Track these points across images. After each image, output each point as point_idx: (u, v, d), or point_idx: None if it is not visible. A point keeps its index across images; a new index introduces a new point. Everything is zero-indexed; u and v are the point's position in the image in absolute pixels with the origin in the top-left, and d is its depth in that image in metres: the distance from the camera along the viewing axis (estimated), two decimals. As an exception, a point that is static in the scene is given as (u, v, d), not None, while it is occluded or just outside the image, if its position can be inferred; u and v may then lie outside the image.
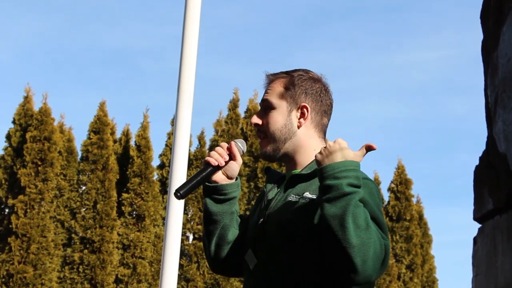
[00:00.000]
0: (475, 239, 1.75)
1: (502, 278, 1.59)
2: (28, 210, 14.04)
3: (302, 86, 2.44)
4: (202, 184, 2.44)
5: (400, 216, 18.21)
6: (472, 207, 1.80)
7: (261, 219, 2.37)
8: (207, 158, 2.42)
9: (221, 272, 2.57)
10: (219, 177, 2.45)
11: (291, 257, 2.25)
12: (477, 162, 1.76)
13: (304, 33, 28.88)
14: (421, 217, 18.85)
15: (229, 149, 2.44)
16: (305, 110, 2.42)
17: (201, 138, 16.17)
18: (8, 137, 15.09)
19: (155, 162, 15.93)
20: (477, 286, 1.70)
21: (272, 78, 2.49)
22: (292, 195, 2.33)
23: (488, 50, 1.80)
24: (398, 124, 29.88)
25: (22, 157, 14.50)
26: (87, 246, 14.35)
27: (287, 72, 2.49)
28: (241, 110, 16.47)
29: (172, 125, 15.44)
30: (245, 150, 2.50)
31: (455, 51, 30.91)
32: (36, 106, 15.08)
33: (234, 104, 16.35)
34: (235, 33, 28.87)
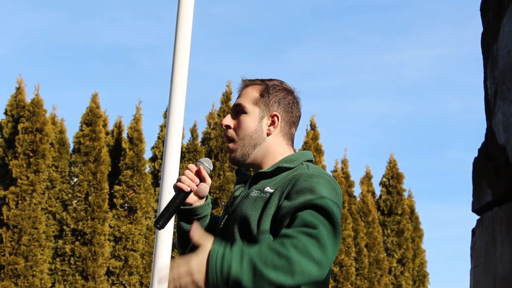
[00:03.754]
0: (473, 231, 1.76)
1: (501, 269, 1.60)
2: (20, 202, 14.00)
3: (276, 96, 2.50)
4: (178, 210, 2.52)
5: (391, 210, 18.24)
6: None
7: (226, 215, 2.45)
8: (179, 185, 2.46)
9: None
10: (191, 199, 2.51)
11: None
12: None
13: (298, 30, 28.89)
14: (412, 211, 18.88)
15: (198, 172, 2.48)
16: (275, 118, 2.47)
17: (193, 131, 16.15)
18: (0, 128, 15.02)
19: (147, 155, 15.93)
20: (476, 277, 1.70)
21: (247, 84, 2.54)
22: (254, 190, 2.39)
23: (488, 42, 1.80)
24: (391, 120, 29.96)
25: (14, 148, 14.44)
26: (79, 238, 14.33)
27: (262, 80, 2.55)
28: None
29: (165, 117, 15.40)
30: (211, 168, 2.54)
31: (449, 49, 30.97)
32: (28, 98, 15.03)
33: (226, 97, 16.33)
34: (229, 27, 28.83)
